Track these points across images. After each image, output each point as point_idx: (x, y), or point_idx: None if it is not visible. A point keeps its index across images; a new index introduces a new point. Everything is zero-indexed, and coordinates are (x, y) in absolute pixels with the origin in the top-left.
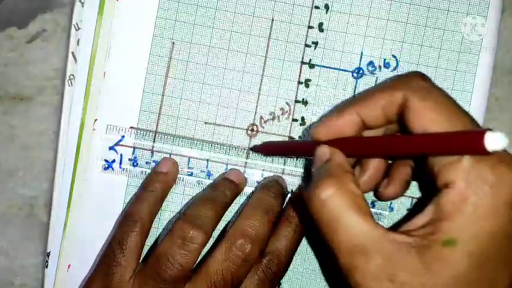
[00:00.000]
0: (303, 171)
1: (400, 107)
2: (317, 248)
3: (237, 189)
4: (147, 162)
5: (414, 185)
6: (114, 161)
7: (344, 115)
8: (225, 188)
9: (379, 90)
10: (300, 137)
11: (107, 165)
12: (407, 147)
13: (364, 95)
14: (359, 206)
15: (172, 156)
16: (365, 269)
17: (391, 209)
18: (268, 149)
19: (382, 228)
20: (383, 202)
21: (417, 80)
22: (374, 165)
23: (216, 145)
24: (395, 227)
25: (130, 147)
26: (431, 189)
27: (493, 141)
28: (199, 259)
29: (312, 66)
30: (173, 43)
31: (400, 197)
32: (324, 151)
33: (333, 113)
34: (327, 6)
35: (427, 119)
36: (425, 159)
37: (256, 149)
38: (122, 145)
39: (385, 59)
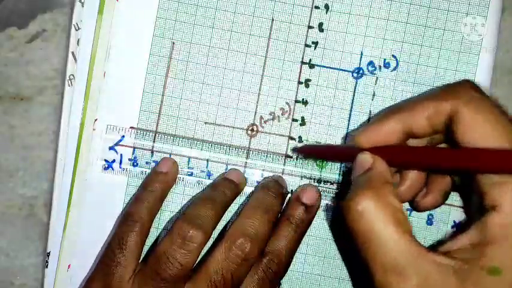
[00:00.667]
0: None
1: (447, 118)
2: (318, 249)
3: (237, 189)
4: (147, 162)
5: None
6: (114, 161)
7: (388, 122)
8: (225, 187)
9: (426, 98)
10: (300, 137)
11: (107, 165)
12: (454, 161)
13: (410, 102)
14: (398, 220)
15: (172, 156)
16: None
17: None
18: (309, 151)
19: (421, 246)
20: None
21: (467, 90)
22: (414, 175)
23: (216, 145)
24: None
25: (131, 147)
26: (476, 206)
27: None
28: (199, 259)
29: (312, 66)
30: (173, 43)
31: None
32: (365, 158)
33: (376, 119)
34: (327, 6)
35: (477, 133)
36: (472, 174)
37: (296, 150)
38: (122, 145)
39: (385, 59)
